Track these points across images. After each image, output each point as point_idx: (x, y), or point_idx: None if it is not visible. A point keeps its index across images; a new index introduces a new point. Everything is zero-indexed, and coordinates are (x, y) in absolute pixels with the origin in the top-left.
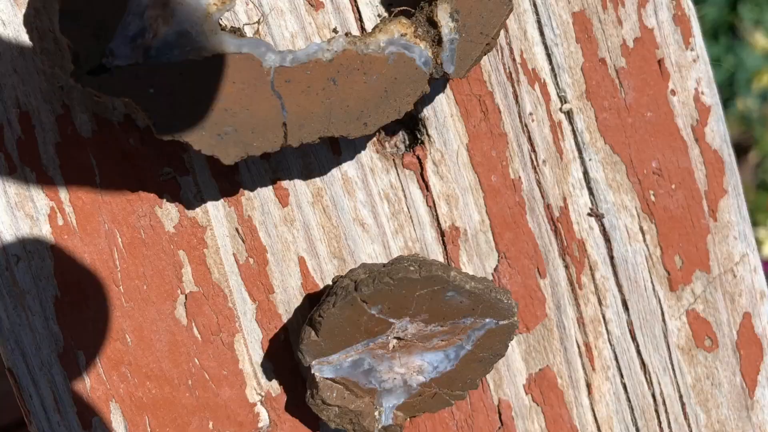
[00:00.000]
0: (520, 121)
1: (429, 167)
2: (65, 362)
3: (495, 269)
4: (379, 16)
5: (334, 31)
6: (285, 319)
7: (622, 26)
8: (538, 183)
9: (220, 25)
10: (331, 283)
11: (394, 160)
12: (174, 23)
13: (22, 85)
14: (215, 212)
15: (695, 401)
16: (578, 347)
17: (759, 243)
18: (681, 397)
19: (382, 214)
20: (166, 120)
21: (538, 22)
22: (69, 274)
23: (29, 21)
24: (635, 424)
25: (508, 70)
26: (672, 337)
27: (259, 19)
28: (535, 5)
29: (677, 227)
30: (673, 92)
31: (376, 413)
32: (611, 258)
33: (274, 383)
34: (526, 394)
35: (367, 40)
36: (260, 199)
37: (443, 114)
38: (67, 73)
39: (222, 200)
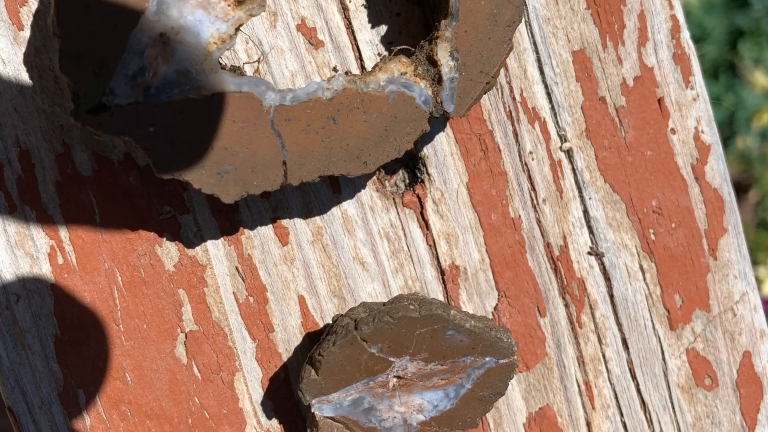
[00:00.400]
0: (520, 160)
1: (429, 206)
2: (65, 401)
3: (495, 308)
4: (379, 54)
5: (334, 69)
6: (285, 358)
7: (622, 65)
8: (538, 222)
9: (220, 63)
10: (331, 321)
11: (394, 198)
12: (174, 62)
13: (22, 123)
14: (215, 251)
15: None
16: (578, 386)
17: (759, 282)
18: None
19: (382, 253)
20: (166, 159)
21: (538, 60)
22: (69, 313)
23: (29, 60)
24: None
25: (508, 109)
26: (672, 376)
27: (259, 58)
28: (535, 44)
29: (677, 266)
30: (673, 131)
31: None
32: (611, 297)
33: (274, 422)
34: None
35: (367, 79)
36: (260, 238)
37: (443, 153)
38: (67, 111)
39: (222, 239)
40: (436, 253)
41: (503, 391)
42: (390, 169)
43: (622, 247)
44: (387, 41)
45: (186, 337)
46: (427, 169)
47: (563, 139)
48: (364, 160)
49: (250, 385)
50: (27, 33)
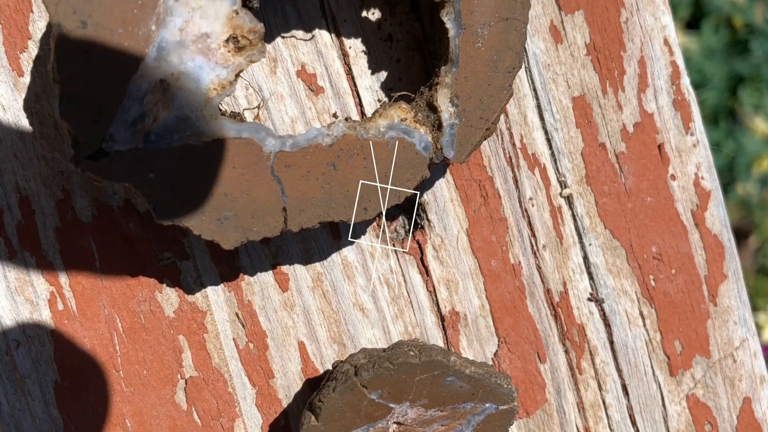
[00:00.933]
0: (520, 206)
1: (429, 252)
2: None
3: (495, 354)
4: (379, 101)
5: (334, 116)
6: (285, 404)
7: (622, 111)
8: (538, 268)
9: (220, 109)
10: (331, 367)
11: (394, 244)
12: (174, 108)
13: (22, 170)
14: (215, 297)
15: None
16: None
17: (759, 328)
18: None
19: (382, 299)
20: (166, 205)
21: (538, 107)
22: (69, 359)
23: (29, 106)
24: None
25: (508, 155)
26: (672, 422)
27: (259, 104)
28: (535, 90)
29: (677, 312)
30: (673, 177)
31: None
32: (611, 343)
33: None
34: None
35: (367, 125)
36: (260, 284)
37: (443, 199)
38: (67, 157)
39: (222, 285)
40: (436, 299)
41: None
42: (390, 215)
43: (622, 293)
44: (387, 87)
45: (186, 383)
46: (427, 216)
47: (563, 185)
48: (364, 206)
49: (251, 431)
50: (27, 79)
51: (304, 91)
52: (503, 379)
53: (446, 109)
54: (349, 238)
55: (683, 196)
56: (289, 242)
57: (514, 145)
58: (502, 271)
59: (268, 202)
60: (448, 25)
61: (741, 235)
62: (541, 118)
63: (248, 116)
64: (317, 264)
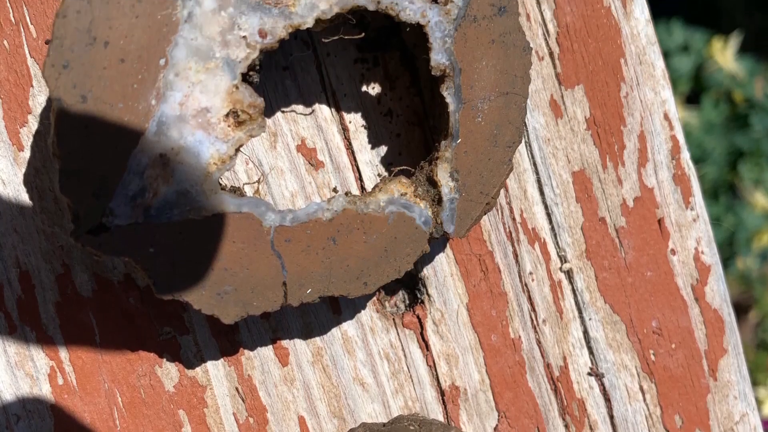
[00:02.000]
0: (520, 281)
1: (429, 327)
2: None
3: (495, 429)
4: (379, 175)
5: (334, 190)
6: None
7: (622, 186)
8: (538, 342)
9: (220, 184)
10: None
11: (394, 319)
12: (174, 182)
13: (23, 244)
14: (215, 371)
15: None
16: None
17: (759, 402)
18: None
19: (382, 374)
20: (166, 279)
21: (538, 181)
22: None
23: (29, 180)
24: None
25: (508, 230)
26: None
27: (259, 179)
28: (535, 165)
29: (677, 386)
30: (673, 251)
31: None
32: (611, 417)
33: None
34: None
35: (367, 200)
36: (260, 359)
37: (443, 273)
38: (67, 232)
39: (222, 359)
40: (436, 374)
41: None
42: (390, 289)
43: (622, 367)
44: (387, 162)
45: None
46: (427, 290)
47: (563, 259)
48: (364, 280)
49: None
50: (27, 154)
51: (304, 166)
52: None
53: (446, 184)
54: (349, 313)
55: (683, 271)
56: (289, 316)
57: (514, 219)
58: (502, 345)
59: (268, 277)
60: (448, 99)
61: (741, 309)
62: (541, 193)
63: (248, 191)
64: (317, 338)
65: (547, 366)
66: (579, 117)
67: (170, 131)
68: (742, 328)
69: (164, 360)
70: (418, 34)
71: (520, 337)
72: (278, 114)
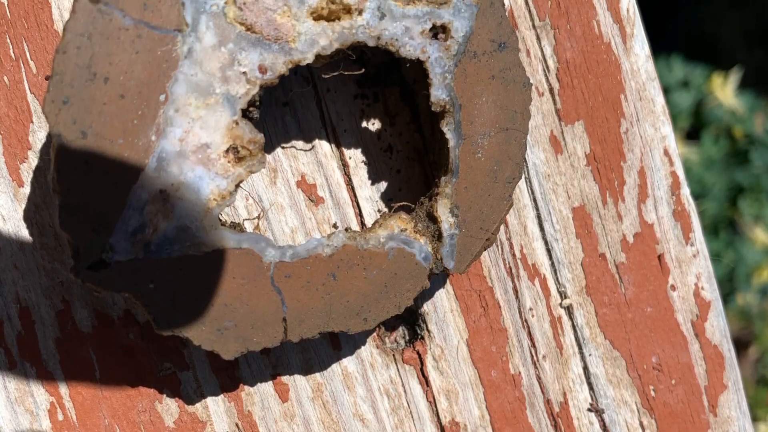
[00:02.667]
0: (520, 317)
1: (429, 362)
2: None
3: None
4: (379, 211)
5: (334, 226)
6: None
7: (622, 221)
8: (538, 378)
9: (220, 220)
10: None
11: (394, 355)
12: (174, 218)
13: (22, 280)
14: (215, 407)
15: None
16: None
17: None
18: None
19: (382, 410)
20: (166, 315)
21: (538, 217)
22: None
23: (29, 216)
24: None
25: (508, 265)
26: None
27: (259, 214)
28: (535, 200)
29: (677, 422)
30: (673, 287)
31: None
32: None
33: None
34: None
35: (367, 236)
36: (260, 395)
37: (443, 309)
38: (67, 268)
39: (222, 395)
40: (436, 410)
41: None
42: (390, 325)
43: (623, 403)
44: (387, 197)
45: None
46: (427, 326)
47: (563, 295)
48: (364, 316)
49: None
50: (27, 190)
51: (304, 202)
52: None
53: (446, 220)
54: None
55: (683, 307)
56: (289, 352)
57: (514, 255)
58: (502, 381)
59: (268, 313)
60: (448, 135)
61: (741, 345)
62: (541, 229)
63: (248, 226)
64: (317, 374)
65: (547, 402)
66: (579, 153)
67: (170, 167)
68: (742, 364)
69: (164, 396)
70: (418, 70)
71: (520, 372)
72: (278, 150)
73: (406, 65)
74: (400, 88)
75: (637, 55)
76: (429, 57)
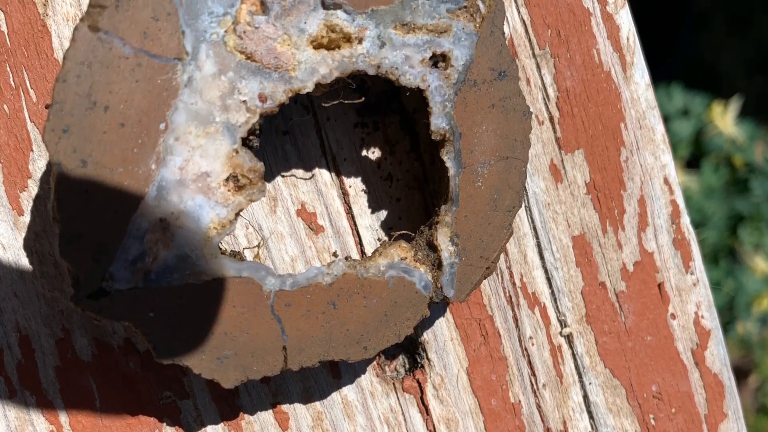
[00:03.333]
0: (520, 345)
1: (429, 391)
2: None
3: None
4: (379, 239)
5: (334, 254)
6: None
7: (622, 250)
8: (538, 407)
9: (220, 248)
10: None
11: (394, 383)
12: (174, 247)
13: (22, 309)
14: None
15: None
16: None
17: None
18: None
19: None
20: (166, 344)
21: (538, 246)
22: None
23: (29, 245)
24: None
25: (508, 294)
26: None
27: (259, 243)
28: (535, 229)
29: None
30: (673, 316)
31: None
32: None
33: None
34: None
35: (367, 264)
36: (260, 423)
37: (443, 338)
38: (67, 296)
39: (222, 424)
40: None
41: None
42: (390, 354)
43: None
44: (387, 226)
45: None
46: (427, 354)
47: (563, 324)
48: (364, 345)
49: None
50: (27, 218)
51: (304, 230)
52: None
53: (446, 248)
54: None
55: (683, 335)
56: (289, 381)
57: (514, 284)
58: (502, 410)
59: (269, 341)
60: (448, 164)
61: (741, 373)
62: (541, 257)
63: (248, 255)
64: (317, 403)
65: (548, 430)
66: (579, 181)
67: (170, 196)
68: (742, 393)
69: (164, 424)
70: (418, 99)
71: (520, 401)
72: (278, 178)
73: (406, 94)
74: (400, 117)
75: (637, 83)
76: (429, 85)
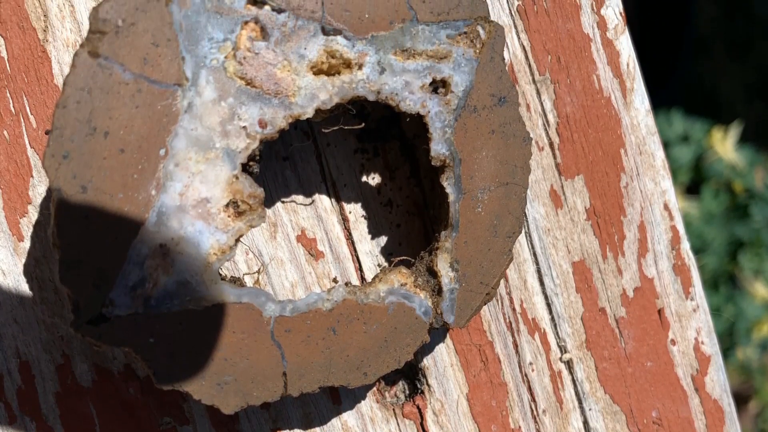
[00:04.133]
0: (520, 371)
1: (429, 417)
2: None
3: None
4: (379, 265)
5: (334, 280)
6: None
7: (622, 276)
8: None
9: (220, 274)
10: None
11: (394, 409)
12: (174, 273)
13: (22, 334)
14: None
15: None
16: None
17: None
18: None
19: None
20: (166, 369)
21: (538, 271)
22: None
23: (29, 271)
24: None
25: (508, 320)
26: None
27: (259, 269)
28: (535, 255)
29: None
30: (673, 342)
31: None
32: None
33: None
34: None
35: (367, 290)
36: None
37: (443, 363)
38: (67, 322)
39: None
40: None
41: None
42: (390, 379)
43: None
44: (387, 252)
45: None
46: (427, 380)
47: (563, 350)
48: (364, 371)
49: None
50: (27, 244)
51: (304, 256)
52: None
53: (446, 274)
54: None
55: (683, 361)
56: (289, 407)
57: (514, 309)
58: None
59: (268, 367)
60: (448, 189)
61: (741, 399)
62: (541, 283)
63: (248, 281)
64: (317, 428)
65: None
66: (579, 207)
67: (170, 221)
68: (742, 419)
69: None
70: (418, 124)
71: (520, 427)
72: (278, 204)
73: (406, 119)
74: (400, 143)
75: (637, 109)
76: (429, 111)
